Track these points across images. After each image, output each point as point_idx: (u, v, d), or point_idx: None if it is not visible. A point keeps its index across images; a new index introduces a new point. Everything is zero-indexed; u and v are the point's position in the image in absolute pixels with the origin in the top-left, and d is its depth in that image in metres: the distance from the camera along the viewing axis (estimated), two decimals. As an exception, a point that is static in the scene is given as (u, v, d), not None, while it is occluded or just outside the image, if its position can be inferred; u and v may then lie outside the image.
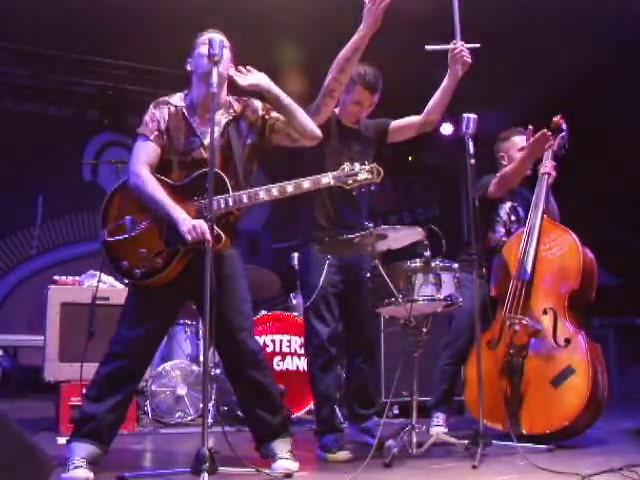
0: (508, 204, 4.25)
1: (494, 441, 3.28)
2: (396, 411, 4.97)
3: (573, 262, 3.78)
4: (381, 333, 4.83)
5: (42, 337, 4.27)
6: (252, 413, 3.06)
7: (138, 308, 2.99)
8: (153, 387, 4.62)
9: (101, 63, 7.79)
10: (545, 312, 3.74)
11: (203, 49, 2.98)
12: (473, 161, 3.53)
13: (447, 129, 7.84)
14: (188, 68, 3.12)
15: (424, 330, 3.33)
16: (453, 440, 3.47)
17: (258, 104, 3.14)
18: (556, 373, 3.59)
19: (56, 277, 4.47)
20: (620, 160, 7.28)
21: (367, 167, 2.98)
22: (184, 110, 3.05)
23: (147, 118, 3.02)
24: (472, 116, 3.57)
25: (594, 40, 6.80)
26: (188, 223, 2.81)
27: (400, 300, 3.19)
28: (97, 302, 4.22)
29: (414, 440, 3.21)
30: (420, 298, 3.23)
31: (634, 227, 7.59)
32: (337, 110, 3.76)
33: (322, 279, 3.48)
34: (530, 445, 3.32)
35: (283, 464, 2.92)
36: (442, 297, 3.27)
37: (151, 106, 3.07)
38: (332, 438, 3.44)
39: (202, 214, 2.87)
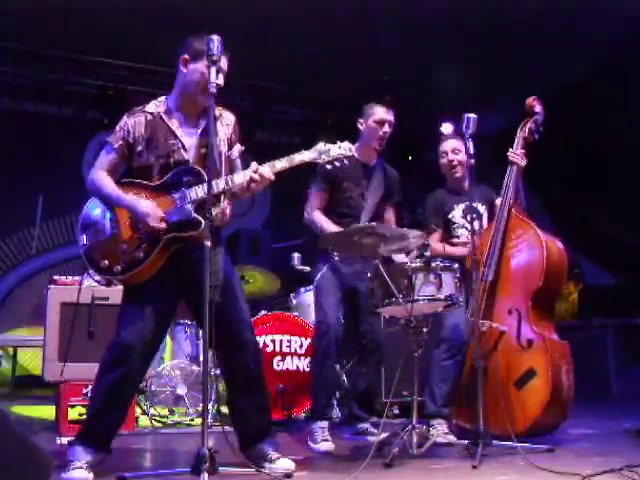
0: (461, 206, 4.15)
1: (494, 441, 3.27)
2: (396, 411, 4.97)
3: (537, 259, 3.69)
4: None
5: (42, 337, 4.26)
6: (245, 411, 3.02)
7: (132, 311, 2.97)
8: (153, 387, 4.61)
9: (101, 63, 7.80)
10: (510, 312, 3.71)
11: (202, 79, 2.92)
12: (473, 161, 3.53)
13: (447, 129, 7.83)
14: (182, 69, 3.05)
15: (424, 330, 3.32)
16: (453, 440, 3.47)
17: (230, 120, 3.17)
18: (518, 375, 3.58)
19: (56, 277, 4.47)
20: (620, 160, 7.27)
21: (339, 144, 3.04)
22: (162, 115, 3.05)
23: (117, 127, 3.05)
24: (472, 116, 3.57)
25: (594, 40, 6.81)
26: (143, 210, 2.89)
27: (401, 300, 3.19)
28: (96, 302, 4.23)
29: (414, 440, 3.20)
30: (421, 298, 3.23)
31: (634, 227, 7.59)
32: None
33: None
34: (530, 445, 3.32)
35: (283, 463, 2.93)
36: (443, 297, 3.27)
37: (125, 115, 3.07)
38: (319, 427, 3.68)
39: (178, 203, 2.92)
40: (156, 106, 3.09)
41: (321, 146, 3.02)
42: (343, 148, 3.03)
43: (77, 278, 4.48)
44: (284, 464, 2.93)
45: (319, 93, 8.22)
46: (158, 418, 4.61)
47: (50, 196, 7.86)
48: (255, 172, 2.90)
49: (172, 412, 4.69)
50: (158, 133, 3.00)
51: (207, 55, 2.83)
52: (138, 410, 4.53)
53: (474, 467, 2.97)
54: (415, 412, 3.28)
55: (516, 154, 3.94)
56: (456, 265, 3.40)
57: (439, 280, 3.26)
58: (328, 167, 3.54)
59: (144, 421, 4.56)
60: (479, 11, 6.37)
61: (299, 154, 2.99)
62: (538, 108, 4.04)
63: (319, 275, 3.88)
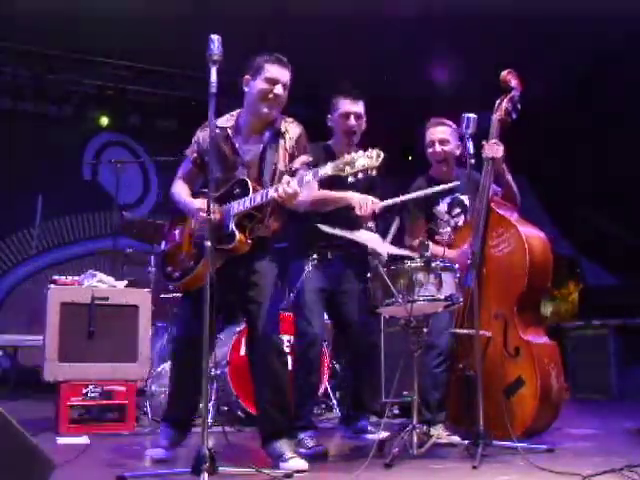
0: (446, 200, 3.97)
1: (494, 441, 3.27)
2: (396, 411, 4.97)
3: (520, 262, 3.55)
4: (381, 333, 4.83)
5: (42, 337, 4.26)
6: (264, 408, 3.12)
7: (182, 313, 3.38)
8: (153, 387, 4.61)
9: (101, 63, 7.80)
10: (496, 317, 3.59)
11: (265, 87, 3.11)
12: (473, 161, 3.53)
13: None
14: (244, 87, 3.20)
15: (424, 330, 3.32)
16: (454, 440, 3.47)
17: (295, 133, 3.23)
18: (507, 384, 3.51)
19: (56, 277, 4.47)
20: (621, 160, 7.28)
21: (368, 152, 2.78)
22: (229, 131, 3.21)
23: (192, 140, 3.33)
24: (472, 116, 3.55)
25: (594, 39, 6.81)
26: (196, 206, 3.13)
27: (400, 300, 3.18)
28: (96, 302, 4.23)
29: (415, 440, 3.20)
30: (421, 298, 3.22)
31: (634, 227, 7.59)
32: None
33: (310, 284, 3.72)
34: (530, 445, 3.32)
35: (294, 463, 2.95)
36: (443, 297, 3.26)
37: (198, 129, 3.33)
38: (307, 435, 3.58)
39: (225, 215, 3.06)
40: (226, 120, 3.25)
41: (346, 157, 2.81)
42: (368, 157, 2.77)
43: (77, 278, 4.49)
44: (296, 464, 2.95)
45: (319, 93, 8.22)
46: (158, 418, 4.61)
47: (50, 196, 7.87)
48: (277, 191, 2.92)
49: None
50: (224, 148, 3.17)
51: (207, 55, 2.83)
52: (138, 410, 4.53)
53: (474, 467, 2.97)
54: (415, 412, 3.28)
55: (491, 148, 3.65)
56: (456, 265, 3.39)
57: (439, 280, 3.25)
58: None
59: (144, 421, 4.56)
60: (479, 10, 6.37)
61: (322, 168, 2.87)
62: (514, 82, 3.74)
63: (299, 281, 3.75)
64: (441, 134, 3.99)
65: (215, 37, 2.86)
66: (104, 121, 8.35)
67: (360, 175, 2.78)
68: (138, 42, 6.99)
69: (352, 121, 3.77)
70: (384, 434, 3.77)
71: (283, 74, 3.15)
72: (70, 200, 8.02)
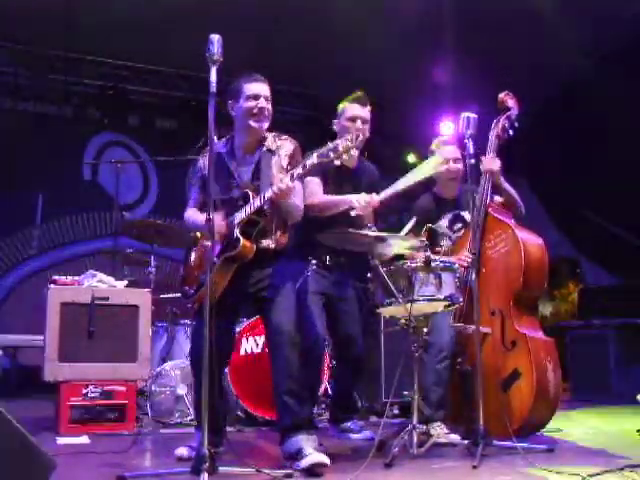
0: (448, 216, 4.10)
1: (494, 441, 3.27)
2: (396, 411, 4.97)
3: (515, 260, 3.67)
4: (381, 333, 4.83)
5: (42, 337, 4.26)
6: (279, 397, 3.09)
7: (195, 324, 3.48)
8: (153, 387, 4.61)
9: (101, 63, 7.81)
10: (493, 314, 3.68)
11: (249, 104, 3.25)
12: (473, 161, 3.53)
13: (447, 128, 7.83)
14: (231, 112, 3.34)
15: (424, 330, 3.32)
16: (454, 440, 3.47)
17: (288, 149, 3.34)
18: (504, 377, 3.57)
19: (56, 277, 4.47)
20: (621, 160, 7.28)
21: (348, 136, 2.97)
22: (224, 156, 3.36)
23: (196, 168, 3.51)
24: (472, 116, 3.56)
25: (594, 39, 6.81)
26: (202, 217, 3.18)
27: (400, 300, 3.19)
28: (96, 302, 4.23)
29: (415, 440, 3.20)
30: (420, 298, 3.23)
31: (634, 227, 7.59)
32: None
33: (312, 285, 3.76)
34: (530, 445, 3.32)
35: (314, 458, 2.88)
36: (442, 297, 3.27)
37: (200, 155, 3.53)
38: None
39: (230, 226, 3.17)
40: (221, 145, 3.38)
41: (329, 144, 2.98)
42: (348, 140, 2.94)
43: (77, 278, 4.49)
44: (318, 458, 2.88)
45: (319, 93, 8.22)
46: (158, 418, 4.61)
47: (50, 196, 7.87)
48: (273, 189, 3.05)
49: (172, 412, 4.68)
50: (219, 172, 3.27)
51: (207, 55, 2.86)
52: (138, 410, 4.53)
53: (474, 467, 2.97)
54: (416, 412, 3.28)
55: (488, 162, 3.80)
56: (456, 265, 3.39)
57: (439, 280, 3.26)
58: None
59: (144, 421, 4.56)
60: (479, 9, 6.37)
61: (309, 158, 3.03)
62: (511, 103, 3.90)
63: (299, 283, 3.72)
64: (455, 153, 4.09)
65: (215, 37, 2.88)
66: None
67: (345, 157, 2.96)
68: (138, 42, 6.99)
69: (359, 124, 3.85)
70: (367, 433, 3.91)
71: (263, 88, 3.30)
72: (70, 200, 8.02)
